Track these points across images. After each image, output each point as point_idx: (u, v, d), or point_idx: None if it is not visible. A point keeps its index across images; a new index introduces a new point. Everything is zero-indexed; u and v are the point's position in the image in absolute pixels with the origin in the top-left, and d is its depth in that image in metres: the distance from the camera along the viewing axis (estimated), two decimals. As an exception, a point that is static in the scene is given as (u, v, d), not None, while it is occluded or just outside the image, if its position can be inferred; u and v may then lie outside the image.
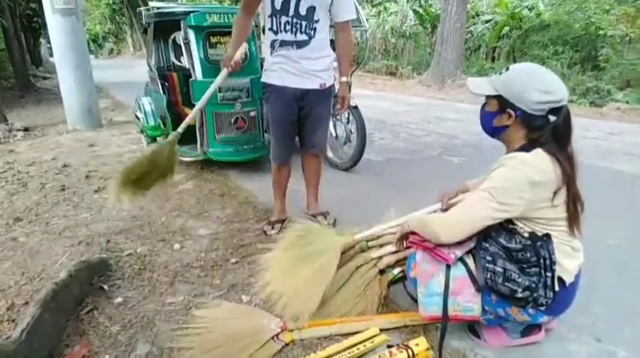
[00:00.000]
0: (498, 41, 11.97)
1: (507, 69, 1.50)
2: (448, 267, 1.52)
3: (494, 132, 1.57)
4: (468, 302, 1.52)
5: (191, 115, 2.36)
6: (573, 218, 1.46)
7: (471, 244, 1.53)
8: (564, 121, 1.42)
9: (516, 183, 1.40)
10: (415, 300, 1.68)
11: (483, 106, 1.60)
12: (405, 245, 1.80)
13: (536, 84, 1.42)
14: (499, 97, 1.49)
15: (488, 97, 1.55)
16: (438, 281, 1.53)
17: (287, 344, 1.69)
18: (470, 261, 1.53)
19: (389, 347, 1.61)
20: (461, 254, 1.51)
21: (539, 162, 1.40)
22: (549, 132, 1.42)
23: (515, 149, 1.50)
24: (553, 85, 1.41)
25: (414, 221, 1.68)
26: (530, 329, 1.67)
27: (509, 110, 1.47)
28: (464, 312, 1.54)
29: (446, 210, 1.99)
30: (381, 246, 2.08)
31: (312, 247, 2.01)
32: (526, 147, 1.46)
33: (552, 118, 1.42)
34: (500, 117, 1.51)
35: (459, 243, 1.52)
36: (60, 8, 5.47)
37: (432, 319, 1.62)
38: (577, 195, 1.45)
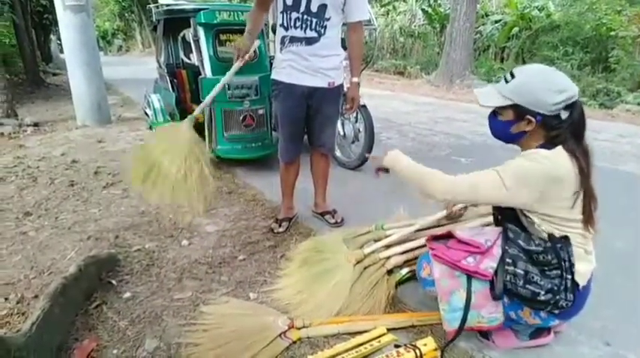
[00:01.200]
0: (508, 42, 11.89)
1: (512, 75, 1.47)
2: (469, 280, 1.49)
3: (512, 139, 1.55)
4: (491, 314, 1.51)
5: (207, 100, 2.30)
6: (589, 216, 1.44)
7: (500, 251, 1.49)
8: (579, 116, 1.42)
9: (530, 174, 1.39)
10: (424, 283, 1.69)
11: (494, 116, 1.56)
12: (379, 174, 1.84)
13: (550, 85, 1.40)
14: (514, 106, 1.46)
15: (500, 108, 1.52)
16: (460, 296, 1.51)
17: (294, 342, 1.69)
18: None
19: (396, 346, 1.61)
20: (495, 265, 1.47)
21: (560, 160, 1.40)
22: (567, 128, 1.41)
23: (534, 148, 1.48)
24: (565, 82, 1.41)
25: (407, 168, 1.65)
26: (540, 331, 1.65)
27: (528, 117, 1.44)
28: (489, 323, 1.53)
29: (451, 216, 1.99)
30: (389, 246, 2.08)
31: (326, 264, 2.03)
32: (546, 146, 1.44)
33: (565, 114, 1.41)
34: (518, 125, 1.48)
35: (489, 254, 1.49)
36: (71, 5, 5.50)
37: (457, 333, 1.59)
38: (592, 191, 1.44)
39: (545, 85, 1.41)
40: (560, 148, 1.41)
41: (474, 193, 1.49)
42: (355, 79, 2.49)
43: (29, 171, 3.88)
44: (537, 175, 1.39)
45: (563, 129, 1.41)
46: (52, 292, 1.74)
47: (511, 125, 1.50)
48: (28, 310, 1.88)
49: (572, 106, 1.41)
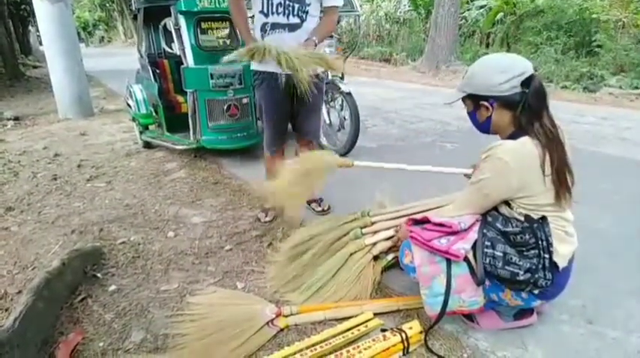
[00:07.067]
0: (492, 27, 11.90)
1: (467, 71, 1.58)
2: (449, 265, 1.51)
3: (483, 128, 1.61)
4: (472, 298, 1.53)
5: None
6: (559, 187, 1.45)
7: (475, 236, 1.52)
8: (535, 91, 1.44)
9: (499, 174, 1.44)
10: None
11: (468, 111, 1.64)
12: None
13: (494, 68, 1.48)
14: (470, 96, 1.56)
15: (463, 101, 1.60)
16: (440, 281, 1.52)
17: (282, 330, 1.70)
18: (470, 255, 1.52)
19: (383, 331, 1.63)
20: (469, 247, 1.49)
21: (525, 149, 1.42)
22: (525, 103, 1.44)
23: (506, 137, 1.53)
24: (509, 62, 1.47)
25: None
26: (523, 312, 1.68)
27: (482, 102, 1.52)
28: (470, 307, 1.55)
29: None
30: (375, 232, 2.08)
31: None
32: (515, 135, 1.48)
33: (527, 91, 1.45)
34: (479, 112, 1.56)
35: (463, 237, 1.51)
36: (48, -5, 5.37)
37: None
38: (561, 163, 1.44)
39: (488, 68, 1.49)
40: (526, 138, 1.43)
41: (477, 209, 1.58)
42: (314, 39, 2.29)
43: (10, 165, 3.81)
44: (504, 173, 1.43)
45: (523, 106, 1.44)
46: (35, 287, 1.72)
47: (475, 114, 1.59)
48: (11, 306, 1.86)
49: (529, 83, 1.43)
